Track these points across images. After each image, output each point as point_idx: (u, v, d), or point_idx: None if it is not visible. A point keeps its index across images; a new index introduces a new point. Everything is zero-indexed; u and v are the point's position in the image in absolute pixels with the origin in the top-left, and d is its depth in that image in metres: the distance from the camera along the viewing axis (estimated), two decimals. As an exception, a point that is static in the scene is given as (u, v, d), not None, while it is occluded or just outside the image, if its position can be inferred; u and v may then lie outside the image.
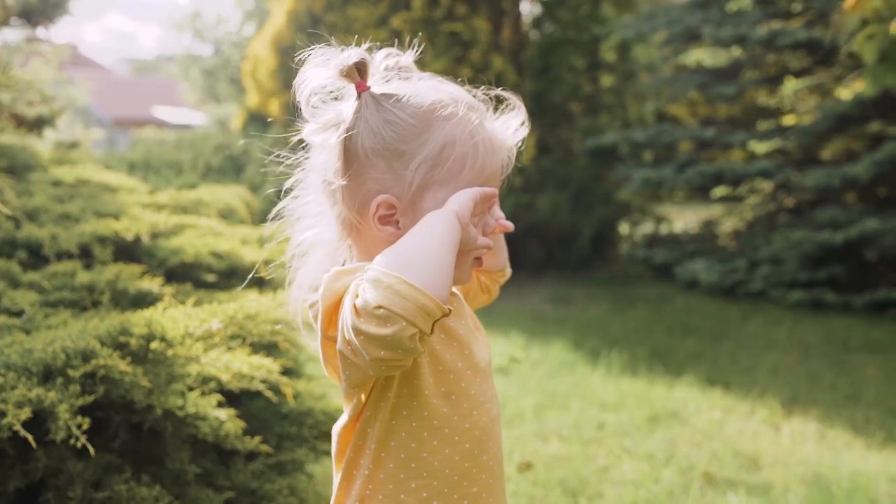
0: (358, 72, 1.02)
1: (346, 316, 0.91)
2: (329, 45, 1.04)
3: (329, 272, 1.00)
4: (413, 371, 1.02)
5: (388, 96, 1.03)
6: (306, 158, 1.10)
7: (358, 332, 0.89)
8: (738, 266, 6.42)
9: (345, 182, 1.03)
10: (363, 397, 1.05)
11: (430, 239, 0.95)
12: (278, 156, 1.11)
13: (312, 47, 1.04)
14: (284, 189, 1.12)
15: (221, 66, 18.78)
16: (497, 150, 1.07)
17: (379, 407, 1.04)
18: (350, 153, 1.03)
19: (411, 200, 1.03)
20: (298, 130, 1.08)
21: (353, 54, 1.02)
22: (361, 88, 1.03)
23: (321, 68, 1.03)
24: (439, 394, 1.05)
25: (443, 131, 1.02)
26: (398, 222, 1.04)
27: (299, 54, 1.04)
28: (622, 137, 7.54)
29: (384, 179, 1.02)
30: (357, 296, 0.90)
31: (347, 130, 1.02)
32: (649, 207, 8.43)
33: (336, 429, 1.11)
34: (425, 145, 1.02)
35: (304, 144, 1.10)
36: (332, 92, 1.04)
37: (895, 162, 5.79)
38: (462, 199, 1.00)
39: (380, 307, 0.87)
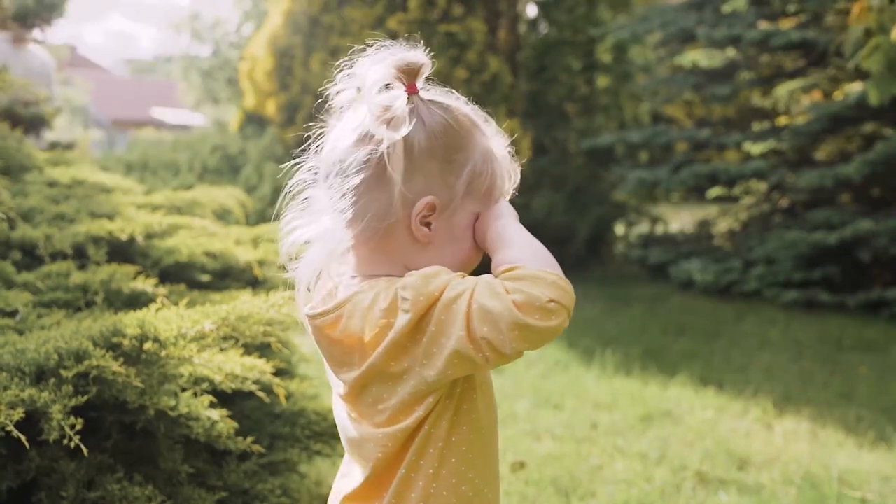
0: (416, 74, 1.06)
1: (498, 313, 0.94)
2: (385, 45, 1.06)
3: (413, 277, 0.99)
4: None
5: (437, 104, 1.07)
6: (315, 153, 1.09)
7: (517, 325, 0.93)
8: (733, 266, 6.44)
9: (399, 178, 1.03)
10: (428, 404, 1.03)
11: (537, 242, 1.06)
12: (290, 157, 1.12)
13: (373, 44, 1.06)
14: (287, 188, 1.11)
15: (220, 67, 18.75)
16: (509, 170, 1.14)
17: (446, 406, 1.05)
18: (407, 151, 1.04)
19: (452, 207, 1.07)
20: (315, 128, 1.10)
21: (420, 56, 1.05)
22: (412, 91, 1.05)
23: (380, 64, 1.05)
24: (485, 383, 1.12)
25: (481, 146, 1.09)
26: (430, 225, 1.07)
27: (351, 53, 1.07)
28: (618, 138, 7.56)
29: (433, 181, 1.06)
30: (508, 292, 0.95)
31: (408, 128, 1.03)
32: (645, 208, 8.46)
33: (380, 434, 1.06)
34: (472, 156, 1.08)
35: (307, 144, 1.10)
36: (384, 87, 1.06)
37: (887, 162, 5.81)
38: (512, 209, 1.11)
39: (552, 301, 0.95)
